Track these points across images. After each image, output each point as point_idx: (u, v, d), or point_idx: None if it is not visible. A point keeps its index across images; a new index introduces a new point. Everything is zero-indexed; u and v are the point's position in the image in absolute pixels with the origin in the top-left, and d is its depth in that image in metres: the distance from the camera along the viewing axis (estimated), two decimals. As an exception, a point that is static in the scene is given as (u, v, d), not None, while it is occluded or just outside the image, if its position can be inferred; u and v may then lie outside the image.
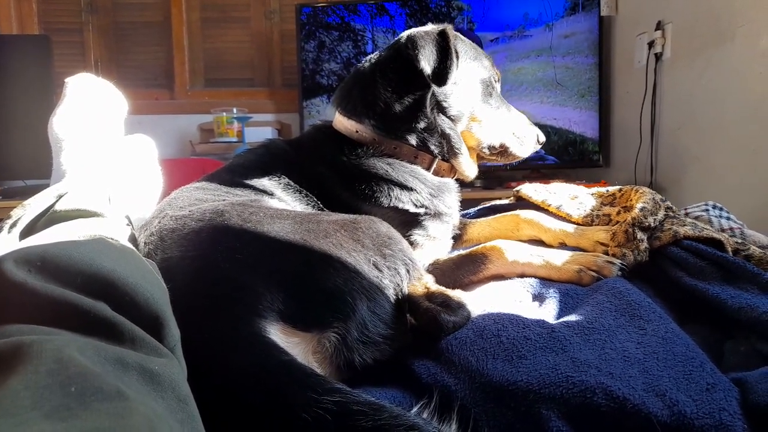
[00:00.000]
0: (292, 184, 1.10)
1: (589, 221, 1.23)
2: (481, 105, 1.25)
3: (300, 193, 1.10)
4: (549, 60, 3.10)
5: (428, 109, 1.17)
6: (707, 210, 1.27)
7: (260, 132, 3.19)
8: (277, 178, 1.10)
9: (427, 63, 1.12)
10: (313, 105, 3.22)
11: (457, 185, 1.27)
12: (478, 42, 3.07)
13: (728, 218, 1.24)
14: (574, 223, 1.24)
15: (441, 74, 1.13)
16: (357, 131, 1.18)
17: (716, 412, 0.63)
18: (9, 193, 2.66)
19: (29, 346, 0.41)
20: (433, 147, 1.20)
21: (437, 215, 1.16)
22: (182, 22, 3.56)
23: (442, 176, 1.23)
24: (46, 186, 0.97)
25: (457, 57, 1.15)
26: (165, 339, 0.54)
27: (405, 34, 1.20)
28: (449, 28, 1.18)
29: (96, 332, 0.48)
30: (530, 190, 1.43)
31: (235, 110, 3.27)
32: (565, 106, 3.11)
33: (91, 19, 3.54)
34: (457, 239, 1.32)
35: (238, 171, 1.13)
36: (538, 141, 1.34)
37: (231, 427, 0.59)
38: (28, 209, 0.89)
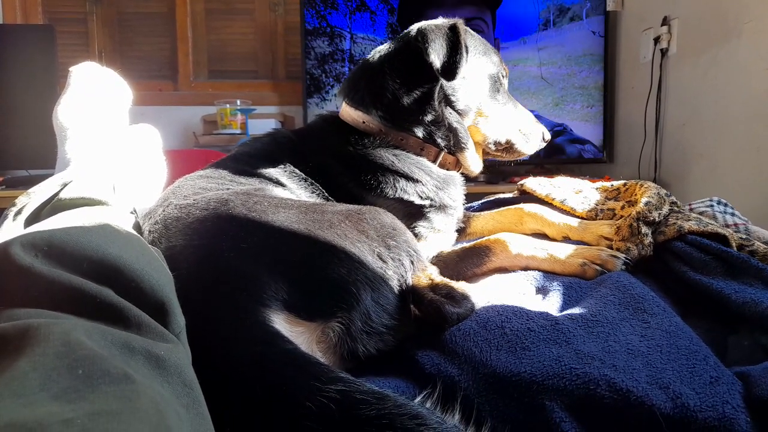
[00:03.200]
0: (298, 172, 1.10)
1: (593, 215, 1.23)
2: (489, 100, 1.25)
3: (305, 181, 1.10)
4: (524, 70, 3.12)
5: (436, 102, 1.17)
6: (712, 205, 1.27)
7: (264, 124, 3.18)
8: (282, 167, 1.10)
9: (436, 57, 1.12)
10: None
11: (462, 178, 1.27)
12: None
13: (733, 214, 1.24)
14: (578, 217, 1.24)
15: (450, 68, 1.12)
16: (364, 122, 1.18)
17: (719, 405, 0.63)
18: (12, 182, 2.66)
19: (37, 329, 0.42)
20: (439, 140, 1.20)
21: (442, 208, 1.16)
22: (186, 13, 3.55)
23: (447, 169, 1.23)
24: (50, 176, 0.97)
25: (467, 51, 1.15)
26: (170, 325, 0.54)
27: (415, 26, 1.20)
28: (460, 22, 1.18)
29: (102, 317, 0.48)
30: (534, 183, 1.43)
31: (238, 102, 3.26)
32: (541, 117, 3.13)
33: (95, 10, 3.53)
34: (461, 232, 1.32)
35: (244, 159, 1.14)
36: (543, 139, 1.34)
37: (235, 414, 0.59)
38: (32, 197, 0.90)
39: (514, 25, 3.12)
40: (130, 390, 0.39)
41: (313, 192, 1.09)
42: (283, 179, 1.08)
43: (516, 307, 0.84)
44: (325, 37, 3.03)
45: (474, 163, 1.27)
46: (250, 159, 1.13)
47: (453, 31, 1.15)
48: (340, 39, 3.05)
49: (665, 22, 2.64)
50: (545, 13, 3.10)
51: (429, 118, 1.18)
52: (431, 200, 1.15)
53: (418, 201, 1.13)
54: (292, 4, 3.54)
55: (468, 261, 1.08)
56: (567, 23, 3.08)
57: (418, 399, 0.66)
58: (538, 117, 1.38)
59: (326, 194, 1.10)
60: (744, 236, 1.10)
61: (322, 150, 1.17)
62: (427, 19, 1.22)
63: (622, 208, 1.19)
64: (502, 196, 1.56)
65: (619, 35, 3.12)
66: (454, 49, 1.13)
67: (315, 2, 3.00)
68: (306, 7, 3.01)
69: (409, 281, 0.83)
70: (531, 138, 1.31)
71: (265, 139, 1.22)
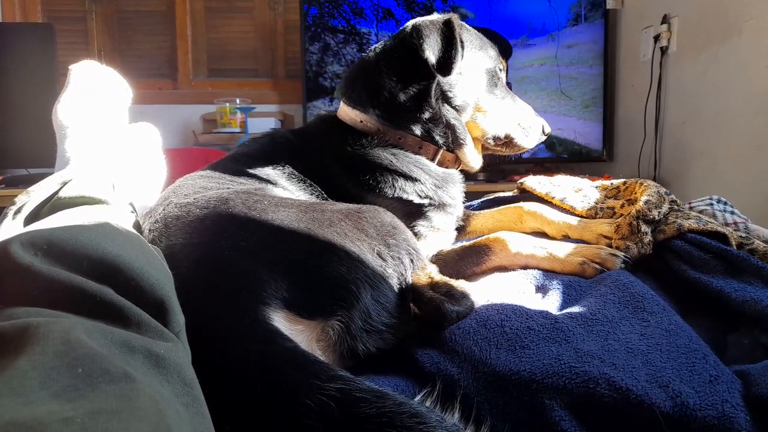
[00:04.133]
0: (296, 173, 1.10)
1: (592, 214, 1.23)
2: (486, 95, 1.25)
3: (304, 182, 1.10)
4: (553, 69, 3.09)
5: (433, 99, 1.17)
6: (712, 204, 1.27)
7: (263, 123, 3.18)
8: (281, 168, 1.10)
9: (431, 53, 1.11)
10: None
11: (461, 176, 1.27)
12: (508, 45, 3.06)
13: (732, 212, 1.24)
14: (577, 215, 1.24)
15: (446, 64, 1.12)
16: (361, 121, 1.18)
17: (719, 403, 0.63)
18: (12, 181, 2.65)
19: (36, 327, 0.42)
20: (437, 137, 1.19)
21: (441, 206, 1.16)
22: (186, 11, 3.55)
23: (446, 167, 1.23)
24: (50, 174, 0.97)
25: (463, 47, 1.15)
26: (170, 324, 0.54)
27: (410, 23, 1.19)
28: (455, 17, 1.17)
29: (102, 316, 0.48)
30: (534, 182, 1.43)
31: (238, 101, 3.26)
32: (570, 116, 3.09)
33: (94, 8, 3.52)
34: (461, 231, 1.32)
35: (243, 160, 1.13)
36: (543, 132, 1.33)
37: (235, 413, 0.59)
38: (32, 195, 0.90)
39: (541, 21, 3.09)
40: (129, 389, 0.39)
41: (312, 193, 1.09)
42: (282, 181, 1.07)
43: (516, 305, 0.84)
44: (354, 44, 3.13)
45: (473, 159, 1.27)
46: (249, 160, 1.12)
47: (447, 26, 1.15)
48: (368, 45, 3.13)
49: (665, 20, 2.64)
50: (576, 7, 3.08)
51: (426, 115, 1.18)
52: (430, 199, 1.15)
53: (417, 200, 1.13)
54: (292, 2, 3.54)
55: (467, 260, 1.08)
56: (599, 18, 3.04)
57: (418, 397, 0.66)
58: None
59: (325, 195, 1.10)
60: (744, 235, 1.10)
61: (321, 150, 1.17)
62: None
63: (622, 206, 1.19)
64: (501, 194, 1.56)
65: (619, 33, 3.12)
66: (449, 44, 1.13)
67: (344, 11, 3.08)
68: (334, 17, 3.08)
69: (409, 280, 0.83)
70: (530, 132, 1.31)
71: (263, 140, 1.22)
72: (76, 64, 1.16)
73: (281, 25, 3.62)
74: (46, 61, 2.74)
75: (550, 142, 3.09)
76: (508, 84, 2.95)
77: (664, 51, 2.65)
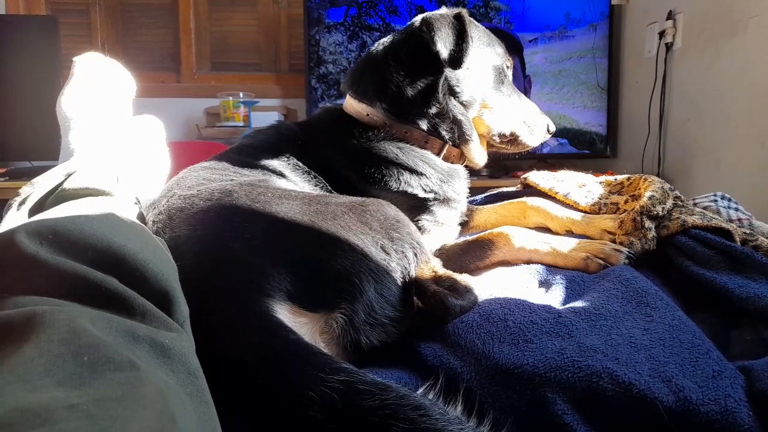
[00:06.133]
0: (301, 165, 1.10)
1: (596, 209, 1.22)
2: (493, 92, 1.24)
3: (308, 174, 1.10)
4: (593, 62, 2.99)
5: (440, 95, 1.17)
6: (716, 200, 1.26)
7: (266, 117, 3.18)
8: (285, 159, 1.10)
9: (443, 45, 1.11)
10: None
11: (466, 172, 1.26)
12: (519, 42, 3.01)
13: (737, 209, 1.24)
14: (581, 211, 1.23)
15: (456, 57, 1.12)
16: (368, 114, 1.18)
17: (722, 398, 0.63)
18: (16, 173, 2.65)
19: (42, 315, 0.42)
20: (444, 132, 1.19)
21: (446, 201, 1.16)
22: (189, 5, 3.54)
23: (451, 162, 1.23)
24: (53, 167, 0.97)
25: (471, 41, 1.14)
26: (174, 315, 0.54)
27: (419, 17, 1.19)
28: (464, 11, 1.17)
29: (107, 305, 0.48)
30: (538, 177, 1.42)
31: (241, 94, 3.26)
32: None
33: (98, 1, 3.52)
34: (464, 225, 1.31)
35: (247, 151, 1.13)
36: (548, 130, 1.33)
37: (238, 404, 0.60)
38: (36, 187, 0.90)
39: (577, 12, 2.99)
40: (134, 377, 0.39)
41: (316, 185, 1.09)
42: (287, 172, 1.07)
43: (519, 299, 0.84)
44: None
45: (478, 155, 1.27)
46: (254, 151, 1.12)
47: (458, 19, 1.15)
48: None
49: (670, 16, 2.62)
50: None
51: (433, 110, 1.17)
52: (435, 193, 1.14)
53: (421, 194, 1.13)
54: (295, -4, 3.53)
55: (471, 254, 1.08)
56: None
57: (421, 390, 0.66)
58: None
59: (329, 187, 1.10)
60: (748, 231, 1.09)
61: (326, 143, 1.16)
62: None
63: (626, 202, 1.18)
64: (505, 189, 1.56)
65: (624, 29, 3.11)
66: (460, 37, 1.12)
67: (380, 10, 3.08)
68: (371, 16, 3.07)
69: (413, 273, 0.83)
70: (536, 130, 1.30)
71: (268, 132, 1.22)
72: (80, 56, 1.15)
73: (284, 19, 3.61)
74: (50, 54, 2.74)
75: (591, 140, 3.02)
76: (537, 77, 2.88)
77: (668, 47, 2.64)
